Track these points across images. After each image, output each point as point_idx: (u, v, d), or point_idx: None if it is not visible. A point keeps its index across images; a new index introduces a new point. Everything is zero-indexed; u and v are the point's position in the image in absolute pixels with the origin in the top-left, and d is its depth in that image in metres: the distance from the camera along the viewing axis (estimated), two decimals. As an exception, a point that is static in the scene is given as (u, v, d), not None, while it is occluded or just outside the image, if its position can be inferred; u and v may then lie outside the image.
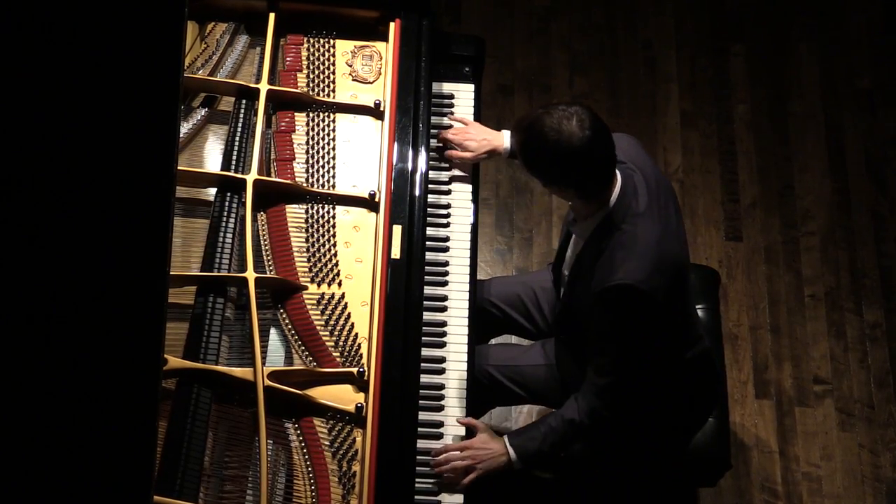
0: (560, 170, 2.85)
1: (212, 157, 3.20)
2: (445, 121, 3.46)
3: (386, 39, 3.37)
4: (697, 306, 3.48)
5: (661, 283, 2.91)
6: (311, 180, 3.18)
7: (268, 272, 3.03)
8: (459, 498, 2.99)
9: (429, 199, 3.26)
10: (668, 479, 3.56)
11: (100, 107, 2.25)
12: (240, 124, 3.21)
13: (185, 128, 3.20)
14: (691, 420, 3.35)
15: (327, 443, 2.85)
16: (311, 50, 3.36)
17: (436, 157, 3.40)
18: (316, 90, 3.31)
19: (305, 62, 3.34)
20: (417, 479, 2.93)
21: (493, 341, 3.67)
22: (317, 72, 3.33)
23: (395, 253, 3.06)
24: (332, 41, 3.38)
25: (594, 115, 2.84)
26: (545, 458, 3.11)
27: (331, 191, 3.17)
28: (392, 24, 3.36)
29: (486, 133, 3.36)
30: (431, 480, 2.99)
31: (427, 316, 3.14)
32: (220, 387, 2.85)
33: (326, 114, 3.28)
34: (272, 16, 3.33)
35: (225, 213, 3.07)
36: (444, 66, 3.51)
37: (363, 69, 3.36)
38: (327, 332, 2.97)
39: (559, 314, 3.22)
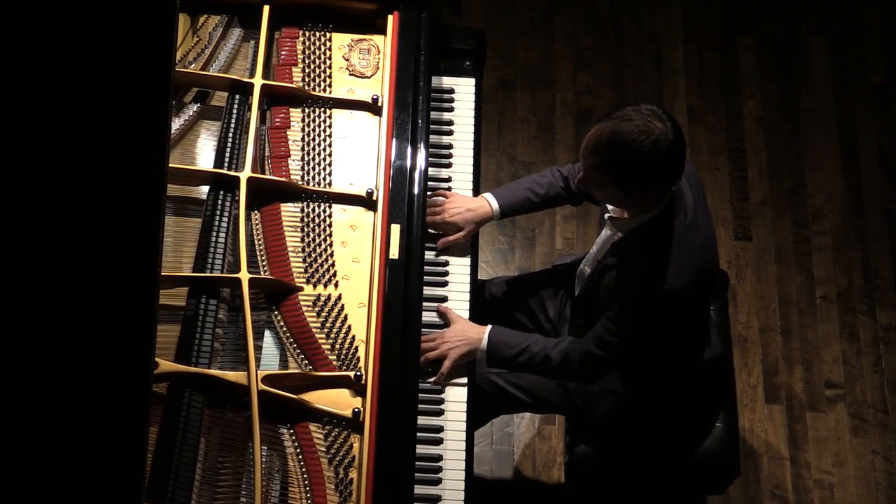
0: (658, 169, 2.87)
1: (204, 153, 3.21)
2: (445, 116, 3.46)
3: (384, 33, 3.37)
4: (705, 308, 3.50)
5: (699, 289, 3.01)
6: (306, 178, 3.18)
7: (262, 273, 3.03)
8: (460, 505, 3.00)
9: (428, 198, 3.26)
10: (676, 487, 3.56)
11: (88, 102, 2.25)
12: (233, 120, 3.21)
13: (176, 124, 3.20)
14: (701, 425, 3.37)
15: (323, 449, 2.85)
16: (307, 43, 3.36)
17: (435, 153, 3.41)
18: (312, 85, 3.31)
19: (301, 56, 3.34)
20: (416, 486, 2.93)
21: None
22: (313, 66, 3.33)
23: (394, 253, 3.06)
24: (328, 34, 3.38)
25: (660, 107, 2.90)
26: (508, 368, 3.23)
27: (327, 189, 3.17)
28: (390, 17, 3.36)
29: (469, 203, 3.33)
30: (431, 487, 2.99)
31: (426, 317, 3.15)
32: (213, 391, 2.85)
33: (322, 109, 3.28)
34: (266, 8, 3.33)
35: (218, 212, 3.07)
36: (444, 60, 3.51)
37: (360, 63, 3.36)
38: (323, 335, 2.98)
39: (579, 299, 3.25)
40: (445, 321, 3.20)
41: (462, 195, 3.37)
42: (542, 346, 3.15)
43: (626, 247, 3.06)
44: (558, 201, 3.38)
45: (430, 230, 3.29)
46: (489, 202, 3.34)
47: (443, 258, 3.29)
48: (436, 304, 3.22)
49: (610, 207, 3.10)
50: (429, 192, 3.29)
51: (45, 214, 2.25)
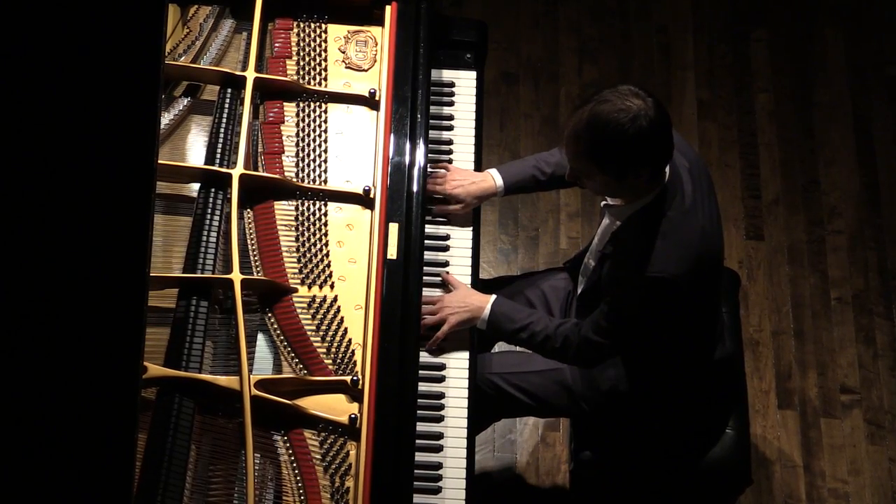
0: (644, 147, 2.89)
1: (195, 150, 3.21)
2: (445, 111, 3.46)
3: (381, 24, 3.38)
4: (716, 310, 3.50)
5: (698, 280, 3.01)
6: (301, 175, 3.18)
7: (255, 273, 3.03)
8: (460, 514, 3.00)
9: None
10: (685, 495, 3.56)
11: (74, 96, 2.25)
12: (225, 115, 3.21)
13: (166, 119, 3.21)
14: (710, 429, 3.37)
15: (318, 456, 2.85)
16: (302, 35, 3.37)
17: (435, 149, 3.41)
18: (306, 78, 3.31)
19: (295, 48, 3.35)
20: (415, 495, 2.93)
21: (497, 347, 3.68)
22: (307, 59, 3.34)
23: (392, 253, 3.07)
24: (323, 26, 3.39)
25: (639, 87, 2.93)
26: (507, 341, 3.30)
27: (322, 186, 3.17)
28: (388, 8, 3.37)
29: (472, 177, 3.36)
30: (430, 496, 2.99)
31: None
32: (204, 396, 2.86)
33: (318, 104, 3.28)
34: (260, -2, 3.34)
35: (209, 211, 3.07)
36: (444, 53, 3.52)
37: (357, 56, 3.36)
38: (319, 338, 2.98)
39: (583, 295, 3.27)
40: (448, 287, 3.25)
41: (464, 169, 3.40)
42: (544, 325, 3.19)
43: (623, 236, 3.08)
44: (565, 182, 3.38)
45: (431, 196, 3.32)
46: (493, 178, 3.36)
47: (443, 258, 3.29)
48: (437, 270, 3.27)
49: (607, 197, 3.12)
50: (430, 165, 3.33)
51: (27, 213, 2.25)
